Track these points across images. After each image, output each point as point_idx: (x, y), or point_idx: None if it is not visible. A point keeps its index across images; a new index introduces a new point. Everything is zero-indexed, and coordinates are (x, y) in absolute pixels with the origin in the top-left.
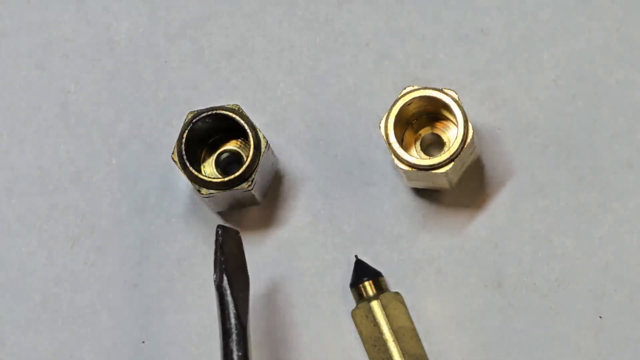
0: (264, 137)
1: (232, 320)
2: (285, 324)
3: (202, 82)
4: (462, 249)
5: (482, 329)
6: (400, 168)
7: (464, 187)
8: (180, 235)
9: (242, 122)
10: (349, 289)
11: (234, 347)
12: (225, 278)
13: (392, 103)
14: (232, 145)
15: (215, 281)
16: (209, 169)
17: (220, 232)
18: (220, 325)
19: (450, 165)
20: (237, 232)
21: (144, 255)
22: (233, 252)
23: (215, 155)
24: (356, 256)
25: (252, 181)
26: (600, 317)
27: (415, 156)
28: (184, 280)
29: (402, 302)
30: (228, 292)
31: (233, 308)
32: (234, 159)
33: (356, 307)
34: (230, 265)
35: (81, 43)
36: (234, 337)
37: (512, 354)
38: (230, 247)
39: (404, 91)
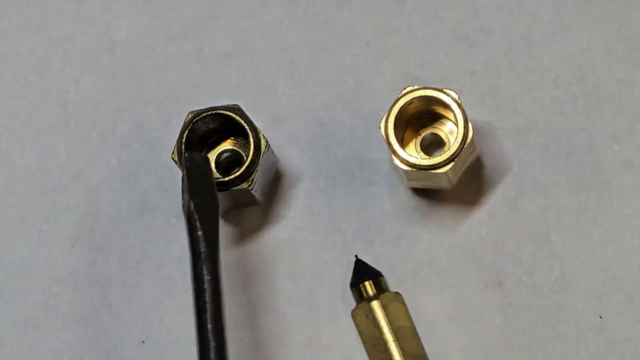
0: (264, 137)
1: (201, 244)
2: (285, 324)
3: (202, 82)
4: (462, 249)
5: (482, 329)
6: (400, 168)
7: (464, 187)
8: (180, 235)
9: (242, 122)
10: (349, 289)
11: (204, 270)
12: (192, 203)
13: (392, 103)
14: (232, 145)
15: (183, 206)
16: None
17: (187, 156)
18: (190, 250)
19: (450, 165)
20: (205, 158)
21: (144, 255)
22: (200, 177)
23: (216, 155)
24: (356, 256)
25: (252, 181)
26: (600, 317)
27: (415, 156)
28: (184, 280)
29: (403, 302)
30: (195, 216)
31: (201, 232)
32: (234, 159)
33: (356, 307)
34: (197, 190)
35: (81, 43)
36: (203, 259)
37: (512, 354)
38: (197, 173)
39: (404, 91)
